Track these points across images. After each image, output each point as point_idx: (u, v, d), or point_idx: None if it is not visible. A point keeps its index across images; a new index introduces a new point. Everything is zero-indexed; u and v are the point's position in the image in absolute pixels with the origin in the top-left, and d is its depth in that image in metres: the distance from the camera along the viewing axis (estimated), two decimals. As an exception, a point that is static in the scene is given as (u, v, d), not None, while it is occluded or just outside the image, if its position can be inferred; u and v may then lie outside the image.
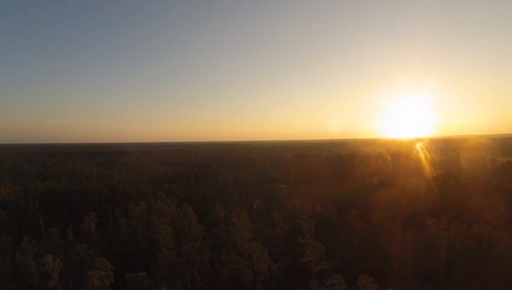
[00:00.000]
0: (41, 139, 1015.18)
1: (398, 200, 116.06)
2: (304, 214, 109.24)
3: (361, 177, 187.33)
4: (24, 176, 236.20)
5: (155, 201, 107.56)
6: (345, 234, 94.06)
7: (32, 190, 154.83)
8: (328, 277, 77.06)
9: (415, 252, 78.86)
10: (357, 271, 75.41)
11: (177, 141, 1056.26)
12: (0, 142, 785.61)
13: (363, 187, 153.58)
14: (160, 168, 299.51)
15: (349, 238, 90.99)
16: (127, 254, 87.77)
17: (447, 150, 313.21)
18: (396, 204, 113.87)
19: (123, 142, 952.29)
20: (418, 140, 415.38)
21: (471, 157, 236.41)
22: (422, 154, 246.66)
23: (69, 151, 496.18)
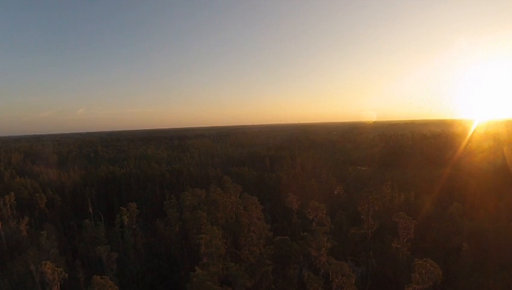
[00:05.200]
0: (122, 127, 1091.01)
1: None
2: (394, 204, 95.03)
3: (454, 161, 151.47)
4: (97, 161, 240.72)
5: (215, 189, 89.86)
6: (446, 234, 71.34)
7: (93, 175, 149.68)
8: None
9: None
10: (463, 286, 57.54)
11: (257, 123, 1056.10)
12: (85, 131, 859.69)
13: (460, 173, 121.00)
14: (235, 151, 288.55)
15: (454, 240, 69.22)
16: (172, 255, 72.24)
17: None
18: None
19: (201, 126, 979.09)
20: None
21: None
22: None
23: (146, 137, 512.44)
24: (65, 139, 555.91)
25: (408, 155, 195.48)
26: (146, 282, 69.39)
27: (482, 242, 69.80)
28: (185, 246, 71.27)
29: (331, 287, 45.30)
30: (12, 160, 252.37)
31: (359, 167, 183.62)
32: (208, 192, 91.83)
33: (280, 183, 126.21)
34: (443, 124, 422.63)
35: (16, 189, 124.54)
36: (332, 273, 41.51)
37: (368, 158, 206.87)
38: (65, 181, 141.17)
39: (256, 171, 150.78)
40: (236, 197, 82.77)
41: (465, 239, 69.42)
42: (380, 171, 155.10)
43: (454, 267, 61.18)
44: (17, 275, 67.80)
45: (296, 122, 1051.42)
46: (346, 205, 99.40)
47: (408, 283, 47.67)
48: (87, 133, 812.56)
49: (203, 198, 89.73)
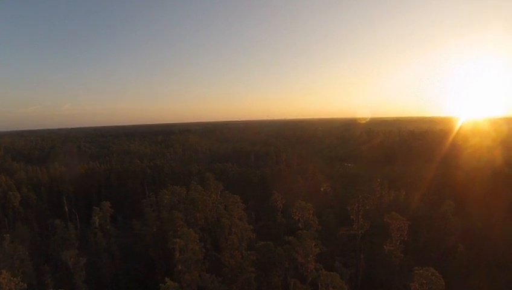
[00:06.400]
0: (108, 122, 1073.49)
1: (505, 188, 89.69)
2: (383, 203, 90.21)
3: (444, 158, 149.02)
4: (79, 157, 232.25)
5: (195, 186, 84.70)
6: (439, 233, 68.16)
7: (71, 171, 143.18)
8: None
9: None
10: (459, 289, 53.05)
11: (243, 119, 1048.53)
12: (70, 126, 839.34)
13: (450, 170, 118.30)
14: (220, 146, 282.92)
15: (447, 240, 65.98)
16: (149, 257, 67.41)
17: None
18: (502, 194, 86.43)
19: (187, 122, 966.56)
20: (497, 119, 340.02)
21: None
22: None
23: (132, 132, 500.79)
24: (50, 134, 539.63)
25: (396, 152, 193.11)
26: (121, 286, 64.51)
27: (476, 241, 66.97)
28: (162, 248, 66.45)
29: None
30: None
31: (346, 164, 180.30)
32: (189, 190, 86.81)
33: (265, 179, 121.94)
34: (429, 121, 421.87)
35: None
36: (321, 286, 37.00)
37: (354, 154, 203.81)
38: (42, 178, 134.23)
39: (240, 168, 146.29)
40: (217, 196, 77.94)
41: (459, 239, 66.58)
42: (368, 168, 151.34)
43: (449, 268, 57.65)
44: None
45: (283, 118, 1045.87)
46: (333, 203, 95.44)
47: (401, 287, 43.82)
48: (73, 128, 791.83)
49: (183, 196, 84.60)
